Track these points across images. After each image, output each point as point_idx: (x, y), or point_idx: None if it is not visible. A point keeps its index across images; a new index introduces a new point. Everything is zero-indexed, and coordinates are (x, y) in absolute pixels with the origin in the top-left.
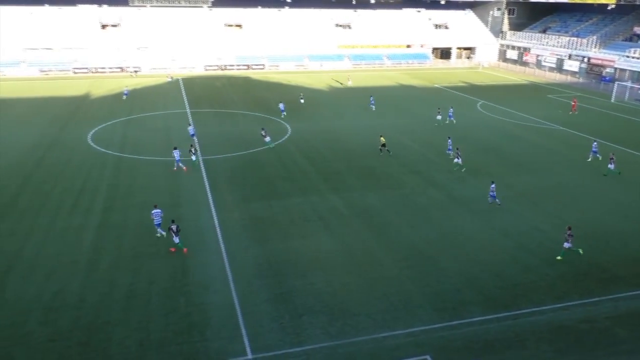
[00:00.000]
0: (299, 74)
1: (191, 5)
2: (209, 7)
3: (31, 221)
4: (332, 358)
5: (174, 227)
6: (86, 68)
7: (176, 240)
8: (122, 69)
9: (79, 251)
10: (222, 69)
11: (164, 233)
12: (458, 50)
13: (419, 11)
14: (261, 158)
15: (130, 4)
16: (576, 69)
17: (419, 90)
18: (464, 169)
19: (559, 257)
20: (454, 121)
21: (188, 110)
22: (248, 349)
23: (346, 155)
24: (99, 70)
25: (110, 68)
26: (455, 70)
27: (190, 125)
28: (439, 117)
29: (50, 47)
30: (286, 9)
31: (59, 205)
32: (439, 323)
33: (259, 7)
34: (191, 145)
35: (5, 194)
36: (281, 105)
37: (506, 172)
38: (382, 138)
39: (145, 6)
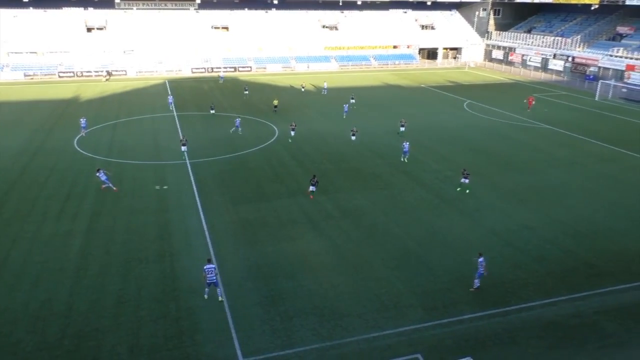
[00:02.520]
0: (285, 75)
1: (178, 7)
2: (195, 9)
3: (17, 228)
4: (323, 359)
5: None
6: (72, 72)
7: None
8: (108, 72)
9: (67, 258)
10: (209, 71)
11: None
12: (444, 50)
13: (405, 12)
14: (249, 160)
15: (117, 7)
16: (561, 68)
17: (406, 90)
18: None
19: (458, 189)
20: (344, 116)
21: (175, 114)
22: (239, 353)
23: (334, 157)
24: (85, 73)
25: (96, 72)
26: (442, 71)
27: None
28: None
29: (35, 50)
30: (273, 11)
31: (46, 212)
32: (430, 322)
33: (246, 9)
34: (183, 136)
35: None
36: (170, 99)
37: (494, 171)
38: (275, 101)
39: (131, 9)
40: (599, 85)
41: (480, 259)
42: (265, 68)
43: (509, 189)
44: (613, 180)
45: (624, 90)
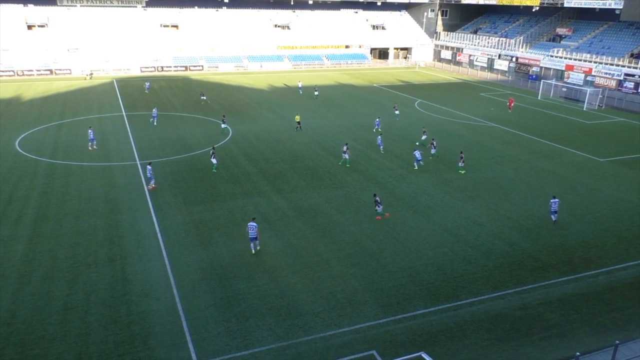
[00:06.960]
0: (238, 75)
1: (124, 5)
2: (143, 7)
3: None
4: (279, 359)
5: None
6: (12, 70)
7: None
8: (51, 71)
9: (9, 264)
10: (159, 70)
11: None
12: (395, 50)
13: (356, 12)
14: (202, 161)
15: (59, 4)
16: (505, 68)
17: (359, 89)
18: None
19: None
20: (380, 130)
21: (124, 114)
22: (194, 356)
23: (288, 156)
24: (26, 72)
25: (39, 70)
26: (393, 70)
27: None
28: (423, 137)
29: None
30: (224, 9)
31: None
32: (384, 318)
33: (196, 7)
34: (212, 147)
35: None
36: (154, 111)
37: (444, 168)
38: (297, 117)
39: (75, 6)
40: (541, 85)
41: (553, 201)
42: (217, 67)
43: (459, 185)
44: (554, 175)
45: (564, 89)
